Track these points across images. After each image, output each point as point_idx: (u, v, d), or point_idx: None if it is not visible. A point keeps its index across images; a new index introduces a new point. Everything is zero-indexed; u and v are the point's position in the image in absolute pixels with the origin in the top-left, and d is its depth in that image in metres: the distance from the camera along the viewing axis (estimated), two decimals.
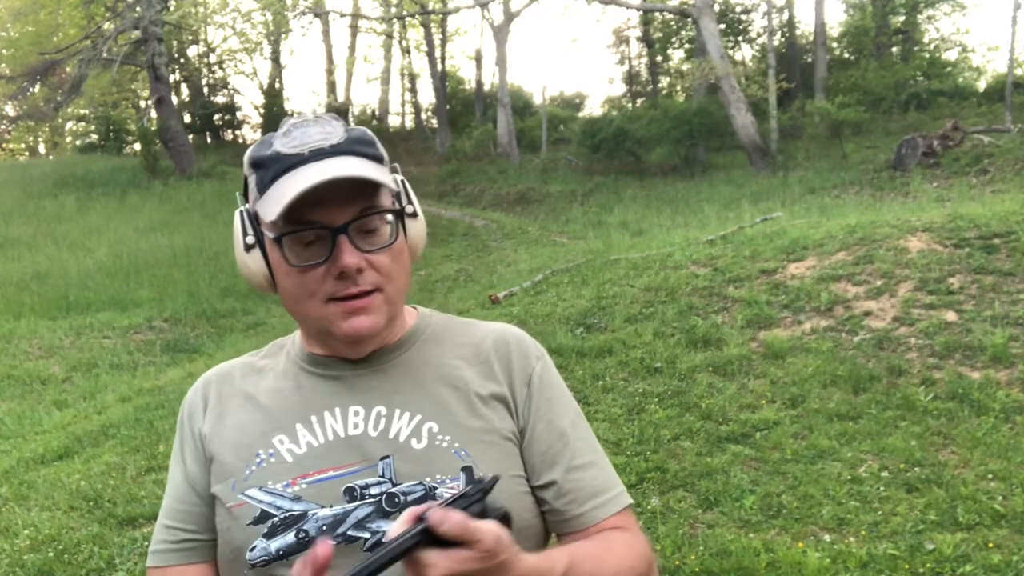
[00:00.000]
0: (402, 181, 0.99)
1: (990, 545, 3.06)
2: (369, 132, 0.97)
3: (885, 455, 3.86)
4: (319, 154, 0.90)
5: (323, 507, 0.92)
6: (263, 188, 0.92)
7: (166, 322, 9.36)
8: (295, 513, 0.92)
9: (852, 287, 5.77)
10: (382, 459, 0.94)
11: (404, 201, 0.98)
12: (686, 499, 3.65)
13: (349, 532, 0.91)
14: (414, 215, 0.99)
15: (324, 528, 0.91)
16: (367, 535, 0.91)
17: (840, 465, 3.81)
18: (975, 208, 7.42)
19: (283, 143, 0.92)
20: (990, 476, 3.58)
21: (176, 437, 1.05)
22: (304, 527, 0.91)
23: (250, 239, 0.95)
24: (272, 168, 0.91)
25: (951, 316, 5.18)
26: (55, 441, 5.38)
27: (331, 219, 0.90)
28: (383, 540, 0.86)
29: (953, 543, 3.07)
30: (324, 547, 0.71)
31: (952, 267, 5.73)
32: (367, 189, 0.91)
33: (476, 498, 0.79)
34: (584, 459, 1.01)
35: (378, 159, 0.95)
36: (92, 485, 4.36)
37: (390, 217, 0.94)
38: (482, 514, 0.78)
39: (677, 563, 3.12)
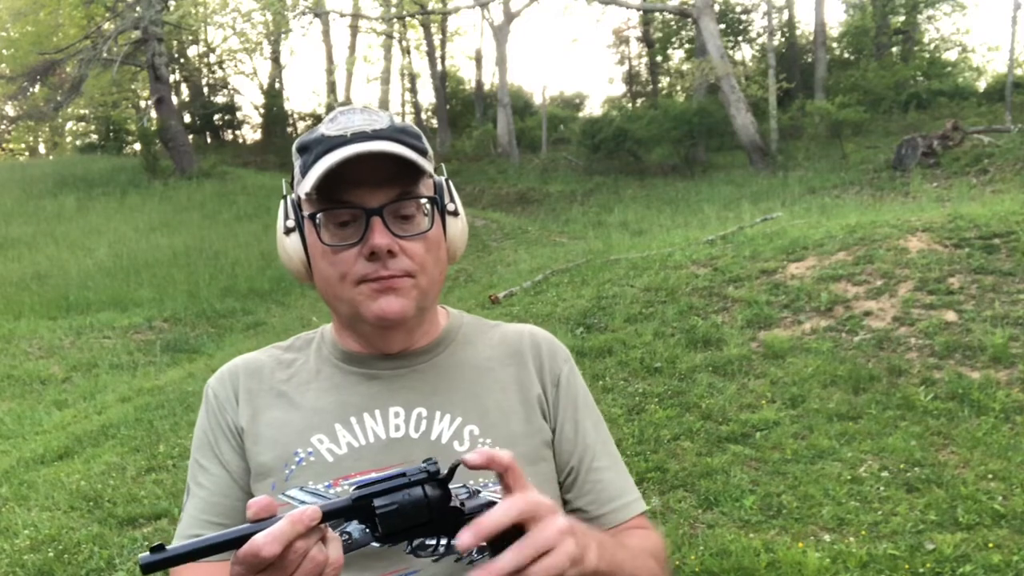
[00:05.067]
0: (446, 180, 0.99)
1: (990, 545, 3.06)
2: (416, 127, 0.98)
3: (885, 455, 3.86)
4: (361, 137, 0.91)
5: None
6: (305, 170, 0.93)
7: (166, 322, 9.35)
8: None
9: (852, 287, 5.77)
10: (425, 462, 0.93)
11: (446, 199, 0.98)
12: (686, 499, 3.65)
13: None
14: (455, 214, 0.99)
15: (367, 530, 0.90)
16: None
17: (840, 465, 3.81)
18: (975, 208, 7.42)
19: (328, 127, 0.94)
20: (990, 476, 3.58)
21: (200, 431, 1.00)
22: (347, 529, 0.89)
23: (290, 223, 0.96)
24: (315, 150, 0.92)
25: (951, 316, 5.18)
26: (55, 441, 5.38)
27: (367, 201, 0.90)
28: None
29: (953, 543, 3.07)
30: (313, 510, 0.69)
31: (952, 267, 5.73)
32: (406, 175, 0.92)
33: (417, 479, 0.75)
34: (604, 462, 1.03)
35: (421, 151, 0.95)
36: (92, 485, 4.35)
37: (427, 207, 0.94)
38: (456, 512, 0.76)
39: (677, 563, 3.11)
